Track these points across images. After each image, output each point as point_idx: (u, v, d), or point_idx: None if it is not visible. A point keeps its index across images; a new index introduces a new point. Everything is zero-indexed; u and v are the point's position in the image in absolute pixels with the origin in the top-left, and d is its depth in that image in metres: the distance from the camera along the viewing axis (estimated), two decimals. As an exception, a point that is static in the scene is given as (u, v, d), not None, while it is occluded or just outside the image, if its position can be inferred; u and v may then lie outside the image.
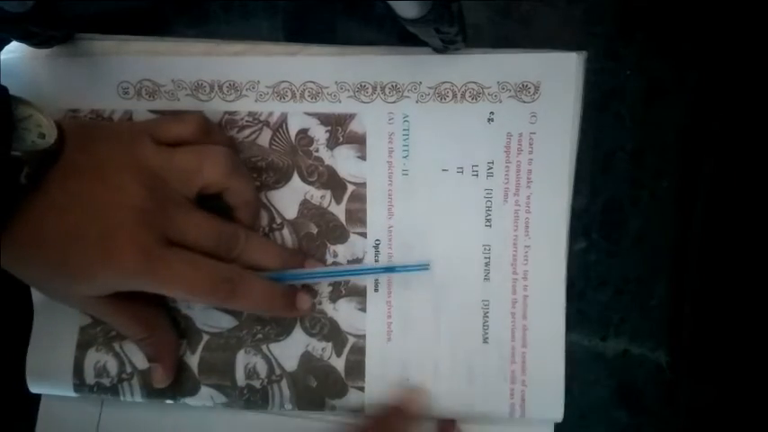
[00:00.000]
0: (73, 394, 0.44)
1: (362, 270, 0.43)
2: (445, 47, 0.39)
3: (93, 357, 0.43)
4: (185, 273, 0.37)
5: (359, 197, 0.43)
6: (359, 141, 0.42)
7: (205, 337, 0.44)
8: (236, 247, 0.40)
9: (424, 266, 0.42)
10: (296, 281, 0.42)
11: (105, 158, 0.38)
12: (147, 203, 0.37)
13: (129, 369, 0.43)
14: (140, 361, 0.43)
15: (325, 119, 0.42)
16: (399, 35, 0.42)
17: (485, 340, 0.43)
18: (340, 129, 0.42)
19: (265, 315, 0.43)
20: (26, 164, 0.34)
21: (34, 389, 0.44)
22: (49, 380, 0.44)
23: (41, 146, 0.35)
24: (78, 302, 0.40)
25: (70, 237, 0.36)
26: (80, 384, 0.43)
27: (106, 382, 0.43)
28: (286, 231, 0.43)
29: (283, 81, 0.42)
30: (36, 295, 0.44)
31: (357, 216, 0.43)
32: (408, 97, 0.42)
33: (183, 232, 0.38)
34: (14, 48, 0.42)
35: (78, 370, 0.43)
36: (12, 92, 0.35)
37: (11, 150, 0.34)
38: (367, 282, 0.43)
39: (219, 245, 0.39)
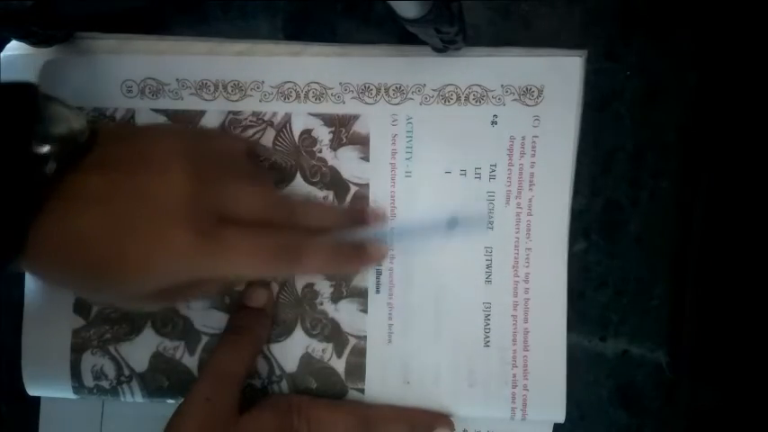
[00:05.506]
0: (72, 396, 0.44)
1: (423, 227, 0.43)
2: (445, 47, 0.39)
3: (90, 361, 0.43)
4: (244, 246, 0.35)
5: (361, 198, 0.42)
6: (362, 142, 0.42)
7: (204, 339, 0.43)
8: (294, 211, 0.39)
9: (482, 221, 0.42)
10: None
11: (145, 146, 0.36)
12: (195, 184, 0.35)
13: (127, 372, 0.43)
14: (138, 363, 0.43)
15: (328, 120, 0.42)
16: (399, 35, 0.41)
17: (486, 344, 0.43)
18: (343, 130, 0.42)
19: (339, 273, 0.43)
20: (52, 156, 0.32)
21: (32, 392, 0.44)
22: (46, 383, 0.44)
23: (68, 137, 0.33)
24: (129, 301, 0.38)
25: (118, 230, 0.33)
26: (79, 387, 0.43)
27: (105, 384, 0.43)
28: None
29: (288, 81, 0.42)
30: (26, 294, 0.44)
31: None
32: (412, 99, 0.42)
33: (235, 205, 0.36)
34: (15, 47, 0.42)
35: (76, 373, 0.43)
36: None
37: (32, 142, 0.31)
38: (368, 283, 0.43)
39: (276, 212, 0.38)
